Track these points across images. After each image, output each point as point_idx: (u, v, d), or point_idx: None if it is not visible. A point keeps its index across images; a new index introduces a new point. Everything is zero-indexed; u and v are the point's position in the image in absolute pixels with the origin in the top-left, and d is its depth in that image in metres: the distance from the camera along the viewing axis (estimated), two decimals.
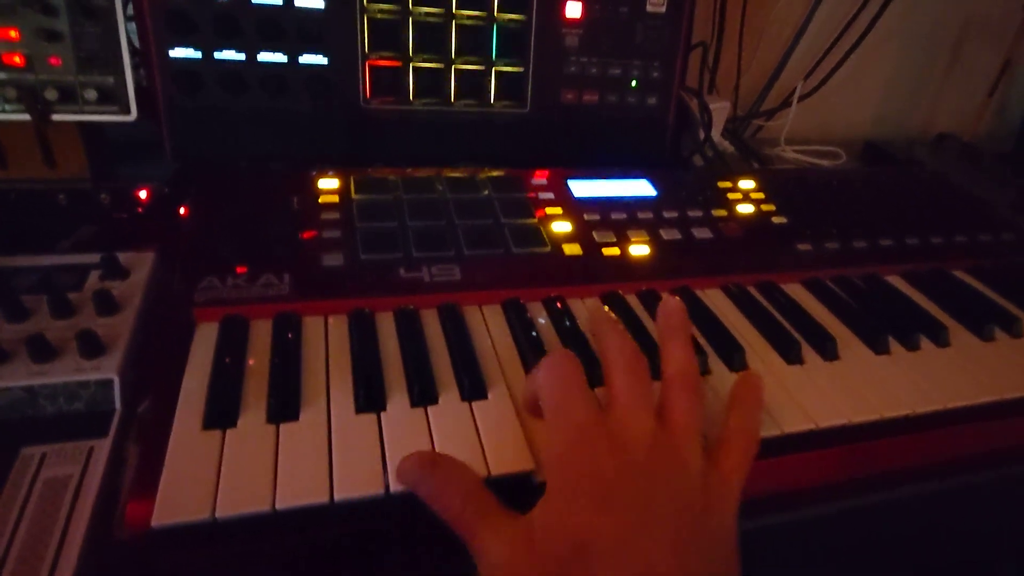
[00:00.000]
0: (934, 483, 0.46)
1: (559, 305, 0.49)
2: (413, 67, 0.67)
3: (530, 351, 0.44)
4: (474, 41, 0.68)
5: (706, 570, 0.31)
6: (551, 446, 0.34)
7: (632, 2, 0.71)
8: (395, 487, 0.34)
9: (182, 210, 0.56)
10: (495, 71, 0.69)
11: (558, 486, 0.33)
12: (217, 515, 0.32)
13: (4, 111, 0.57)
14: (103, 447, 0.38)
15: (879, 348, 0.49)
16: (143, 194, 0.63)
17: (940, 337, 0.51)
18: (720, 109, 0.92)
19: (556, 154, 0.74)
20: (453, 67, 0.68)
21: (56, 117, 0.58)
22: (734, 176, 0.68)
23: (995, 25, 1.18)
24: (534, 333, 0.46)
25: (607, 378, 0.37)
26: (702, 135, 0.86)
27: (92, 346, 0.41)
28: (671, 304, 0.41)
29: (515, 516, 0.32)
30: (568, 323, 0.47)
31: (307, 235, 0.51)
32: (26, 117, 0.58)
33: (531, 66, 0.70)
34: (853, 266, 0.59)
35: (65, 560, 0.32)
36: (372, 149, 0.69)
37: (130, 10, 0.61)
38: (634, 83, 0.75)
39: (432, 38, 0.66)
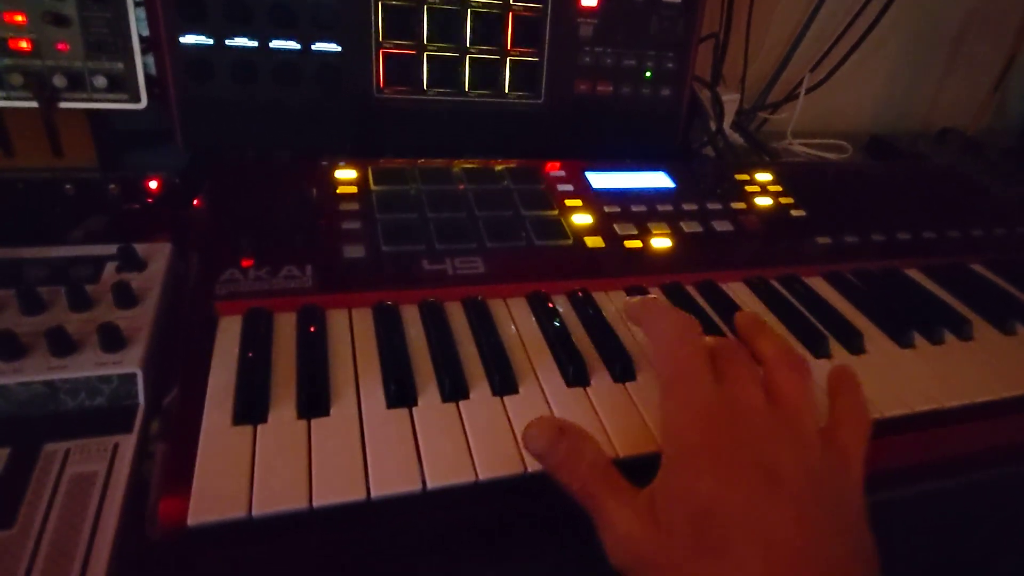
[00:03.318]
0: (958, 478, 0.46)
1: (584, 297, 0.49)
2: (427, 55, 0.66)
3: (559, 346, 0.43)
4: (489, 29, 0.67)
5: (833, 538, 0.31)
6: (669, 417, 0.35)
7: None
8: (432, 483, 0.34)
9: (195, 201, 0.55)
10: (510, 60, 0.68)
11: (677, 457, 0.33)
12: (254, 513, 0.31)
13: (10, 98, 0.56)
14: (128, 443, 0.37)
15: (904, 342, 0.49)
16: (153, 184, 0.62)
17: (963, 331, 0.51)
18: (730, 101, 0.92)
19: (569, 145, 0.74)
20: (468, 56, 0.67)
21: (64, 104, 0.57)
22: (751, 169, 0.68)
23: (997, 19, 1.18)
24: (562, 327, 0.45)
25: (716, 362, 0.37)
26: (714, 127, 0.85)
27: (113, 339, 0.40)
28: (745, 312, 0.44)
29: (637, 489, 0.33)
30: (595, 316, 0.47)
31: (327, 227, 0.50)
32: (33, 104, 0.56)
33: (546, 56, 0.69)
34: (872, 259, 0.59)
35: (96, 559, 0.31)
36: (384, 139, 0.68)
37: None
38: (648, 74, 0.74)
39: (447, 26, 0.65)
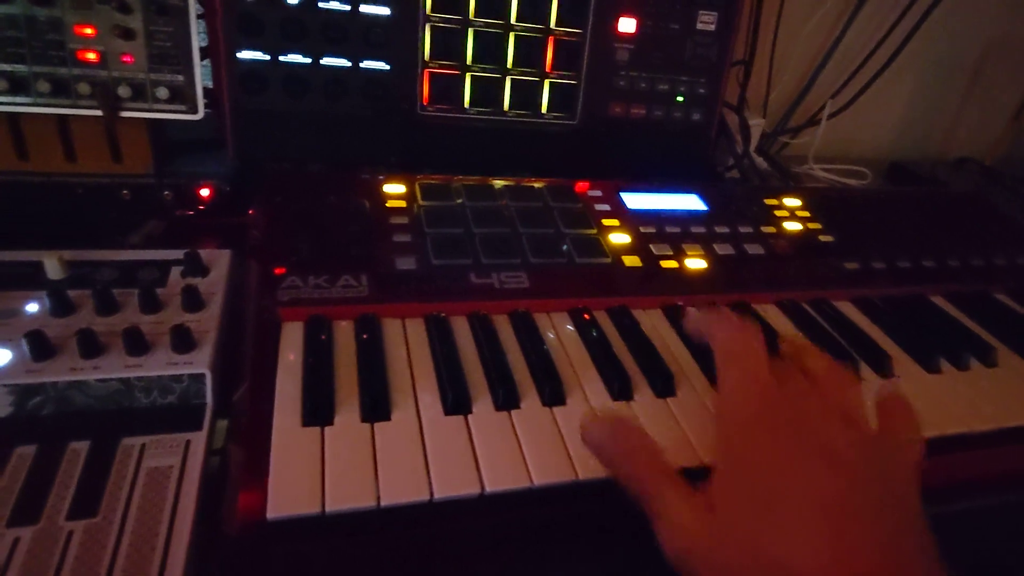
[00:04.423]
0: (985, 499, 0.48)
1: (624, 314, 0.51)
2: (470, 76, 0.68)
3: (604, 362, 0.45)
4: (530, 53, 0.69)
5: (891, 512, 0.31)
6: (726, 397, 0.37)
7: (684, 19, 0.73)
8: (490, 488, 0.36)
9: (250, 211, 0.57)
10: (548, 82, 0.71)
11: (734, 436, 0.35)
12: (327, 509, 0.33)
13: (76, 106, 0.58)
14: (199, 440, 0.39)
15: (931, 367, 0.51)
16: (204, 192, 0.64)
17: (988, 358, 0.53)
18: (756, 125, 0.94)
19: (601, 165, 0.76)
20: (508, 77, 0.69)
21: (126, 113, 0.60)
22: (779, 194, 0.70)
23: (1017, 50, 1.20)
24: (605, 343, 0.47)
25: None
26: (741, 150, 0.87)
27: (184, 341, 0.42)
28: (789, 339, 0.45)
29: (693, 484, 0.34)
30: (637, 334, 0.49)
31: (380, 239, 0.52)
32: (97, 112, 0.59)
33: (583, 79, 0.72)
34: (898, 286, 0.61)
35: (176, 547, 0.33)
36: (425, 154, 0.70)
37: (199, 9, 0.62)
38: (680, 98, 0.76)
39: (490, 48, 0.68)
